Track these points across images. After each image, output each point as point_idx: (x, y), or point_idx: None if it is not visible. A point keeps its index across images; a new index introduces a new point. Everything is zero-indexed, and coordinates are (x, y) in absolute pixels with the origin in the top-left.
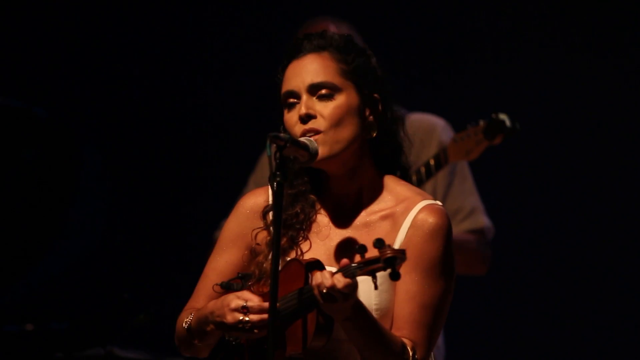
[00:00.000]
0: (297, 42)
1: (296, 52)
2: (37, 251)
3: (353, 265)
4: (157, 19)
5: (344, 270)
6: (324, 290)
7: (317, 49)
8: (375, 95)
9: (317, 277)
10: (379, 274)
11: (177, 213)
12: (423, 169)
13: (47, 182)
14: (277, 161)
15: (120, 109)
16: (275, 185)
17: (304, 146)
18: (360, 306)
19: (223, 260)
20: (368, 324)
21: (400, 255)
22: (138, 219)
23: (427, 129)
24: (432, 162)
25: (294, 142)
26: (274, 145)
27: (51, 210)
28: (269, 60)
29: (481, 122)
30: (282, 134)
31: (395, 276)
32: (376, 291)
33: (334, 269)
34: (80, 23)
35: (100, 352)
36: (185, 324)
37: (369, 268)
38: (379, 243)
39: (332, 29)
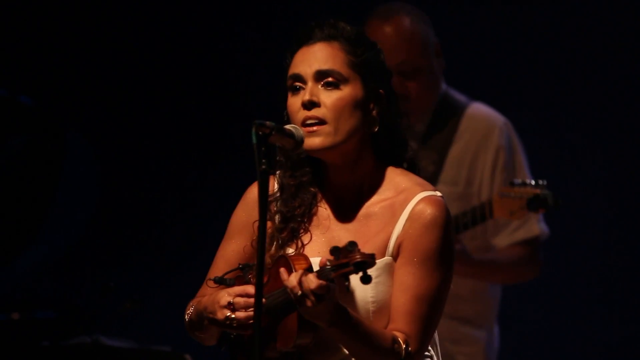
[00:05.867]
0: (308, 29)
1: (306, 39)
2: (23, 240)
3: (327, 267)
4: (141, 3)
5: (319, 272)
6: (298, 292)
7: (328, 38)
8: (381, 90)
9: (291, 280)
10: (369, 269)
11: (164, 201)
12: (469, 216)
13: (33, 170)
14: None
15: (107, 96)
16: (259, 174)
17: (290, 134)
18: (343, 310)
19: (230, 249)
20: (354, 327)
21: (369, 260)
22: (124, 207)
23: (485, 131)
24: (477, 213)
25: (279, 129)
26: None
27: (37, 199)
28: (249, 49)
29: (527, 185)
30: (267, 122)
31: (366, 279)
32: (372, 284)
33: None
34: (64, 10)
35: (86, 341)
36: (187, 315)
37: (341, 271)
38: (351, 246)
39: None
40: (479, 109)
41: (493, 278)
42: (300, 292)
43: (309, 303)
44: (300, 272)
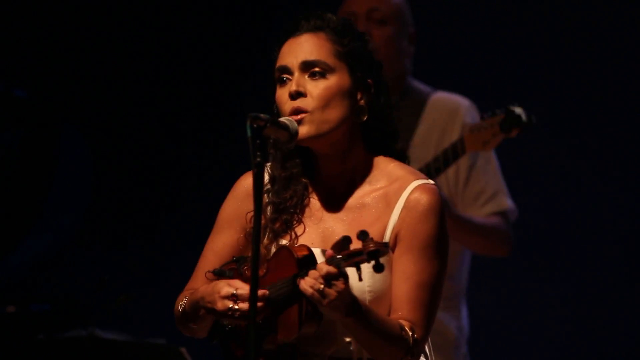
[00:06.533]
0: (295, 21)
1: (293, 31)
2: (18, 233)
3: (338, 257)
4: None
5: (329, 262)
6: (320, 287)
7: (314, 29)
8: (369, 80)
9: (308, 280)
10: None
11: (158, 195)
12: (441, 159)
13: (28, 163)
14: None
15: (102, 89)
16: (254, 166)
17: (284, 126)
18: (356, 299)
19: (220, 241)
20: (366, 316)
21: (382, 249)
22: (119, 200)
23: (450, 111)
24: (449, 153)
25: (273, 122)
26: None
27: (32, 193)
28: (239, 43)
29: (498, 114)
30: (262, 114)
31: (378, 268)
32: (369, 273)
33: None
34: (59, 3)
35: (81, 334)
36: (180, 306)
37: (353, 260)
38: (363, 235)
39: None
40: (443, 94)
41: (468, 238)
42: (322, 287)
43: (332, 295)
44: (313, 271)
